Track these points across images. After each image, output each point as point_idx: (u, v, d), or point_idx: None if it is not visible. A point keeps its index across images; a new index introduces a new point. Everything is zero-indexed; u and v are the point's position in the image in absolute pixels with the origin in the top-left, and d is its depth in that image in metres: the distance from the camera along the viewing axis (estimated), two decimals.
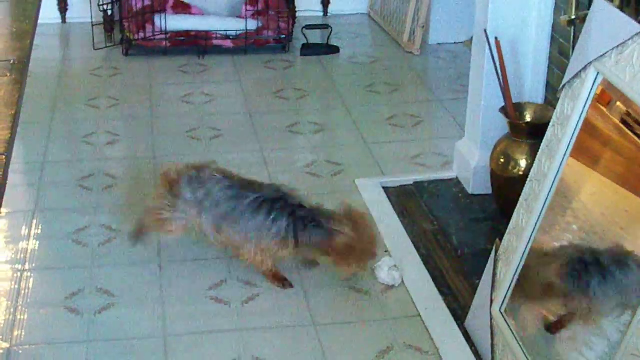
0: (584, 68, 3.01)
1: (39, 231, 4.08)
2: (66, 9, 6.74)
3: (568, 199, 3.13)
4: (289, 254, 3.67)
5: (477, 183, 4.29)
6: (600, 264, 2.85)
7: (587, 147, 3.08)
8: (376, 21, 6.83)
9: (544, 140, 3.19)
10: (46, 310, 3.58)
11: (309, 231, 3.58)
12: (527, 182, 3.24)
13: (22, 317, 3.53)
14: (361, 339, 3.43)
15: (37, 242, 4.00)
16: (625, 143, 2.91)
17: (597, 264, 2.87)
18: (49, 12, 6.46)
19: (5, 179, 1.83)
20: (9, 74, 2.22)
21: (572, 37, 3.78)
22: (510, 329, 3.13)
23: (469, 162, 4.32)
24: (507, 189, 3.93)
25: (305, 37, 6.32)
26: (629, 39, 2.79)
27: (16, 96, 2.04)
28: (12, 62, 2.30)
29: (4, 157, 1.81)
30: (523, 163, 3.88)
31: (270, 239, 3.60)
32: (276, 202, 3.63)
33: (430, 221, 4.15)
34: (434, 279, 3.75)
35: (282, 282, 3.71)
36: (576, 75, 3.06)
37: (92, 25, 6.14)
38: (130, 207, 4.23)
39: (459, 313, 3.53)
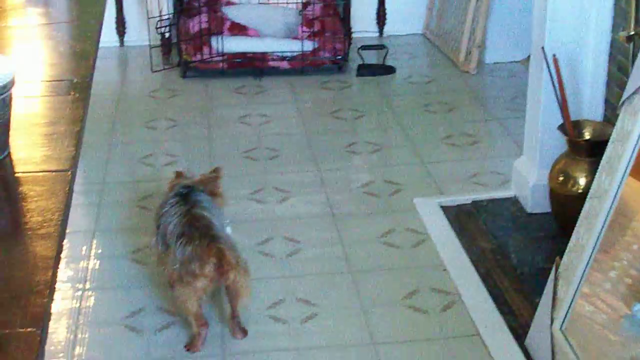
0: None
1: (100, 250, 4.12)
2: (124, 32, 6.81)
3: (628, 217, 3.11)
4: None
5: (536, 202, 4.26)
6: None
7: None
8: (432, 41, 6.83)
9: (604, 157, 3.17)
10: (106, 328, 3.61)
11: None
12: (587, 200, 3.22)
13: (83, 335, 3.56)
14: (421, 355, 3.42)
15: (98, 262, 4.04)
16: None
17: None
18: (107, 35, 6.52)
19: (71, 194, 1.86)
20: (72, 93, 2.27)
21: (631, 53, 3.75)
22: (572, 348, 3.10)
23: (527, 180, 4.29)
24: (566, 207, 3.89)
25: (361, 58, 6.33)
26: None
27: (80, 114, 2.08)
28: (74, 81, 2.35)
29: (69, 173, 1.84)
30: (582, 181, 3.85)
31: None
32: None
33: (489, 240, 4.13)
34: (493, 297, 3.73)
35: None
36: (636, 91, 3.04)
37: (150, 48, 6.20)
38: None
39: (519, 332, 3.51)
